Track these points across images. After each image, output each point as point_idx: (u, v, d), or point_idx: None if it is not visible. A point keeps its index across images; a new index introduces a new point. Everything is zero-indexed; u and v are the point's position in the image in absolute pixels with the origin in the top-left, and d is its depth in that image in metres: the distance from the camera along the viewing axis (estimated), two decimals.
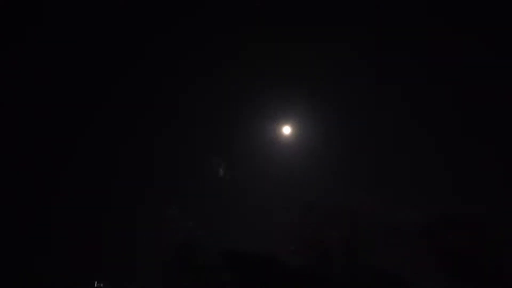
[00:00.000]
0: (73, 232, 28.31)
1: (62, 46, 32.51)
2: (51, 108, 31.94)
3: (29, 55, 32.10)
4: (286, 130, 30.87)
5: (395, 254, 25.24)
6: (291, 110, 31.04)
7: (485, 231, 25.22)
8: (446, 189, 27.39)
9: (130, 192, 30.47)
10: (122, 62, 32.95)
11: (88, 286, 26.26)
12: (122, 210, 29.86)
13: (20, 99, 31.24)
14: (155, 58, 33.58)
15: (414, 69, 30.96)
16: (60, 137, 31.76)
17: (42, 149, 30.62)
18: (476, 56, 29.43)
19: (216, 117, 32.20)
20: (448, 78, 30.47)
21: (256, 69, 31.11)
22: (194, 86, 32.70)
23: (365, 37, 31.04)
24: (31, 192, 29.16)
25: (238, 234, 26.98)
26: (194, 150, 31.69)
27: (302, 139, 30.58)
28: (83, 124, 32.77)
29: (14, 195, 28.48)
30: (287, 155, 30.45)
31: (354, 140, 30.36)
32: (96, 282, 26.84)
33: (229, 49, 32.23)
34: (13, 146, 29.93)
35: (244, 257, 25.57)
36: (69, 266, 26.46)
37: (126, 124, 33.15)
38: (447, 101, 30.44)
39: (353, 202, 26.89)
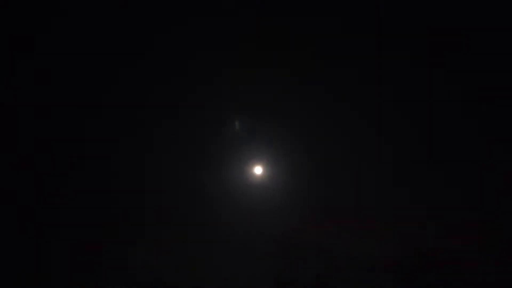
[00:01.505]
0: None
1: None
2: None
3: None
4: (258, 170, 30.62)
5: None
6: (263, 148, 31.33)
7: (459, 265, 26.57)
8: (420, 223, 28.29)
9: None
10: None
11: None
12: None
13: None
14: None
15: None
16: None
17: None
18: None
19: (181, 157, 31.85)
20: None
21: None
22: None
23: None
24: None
25: (206, 273, 27.12)
26: (161, 191, 31.03)
27: (274, 177, 30.54)
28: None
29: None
30: (258, 194, 30.42)
31: (328, 174, 30.47)
32: None
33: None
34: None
35: None
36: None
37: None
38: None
39: (326, 238, 27.54)
